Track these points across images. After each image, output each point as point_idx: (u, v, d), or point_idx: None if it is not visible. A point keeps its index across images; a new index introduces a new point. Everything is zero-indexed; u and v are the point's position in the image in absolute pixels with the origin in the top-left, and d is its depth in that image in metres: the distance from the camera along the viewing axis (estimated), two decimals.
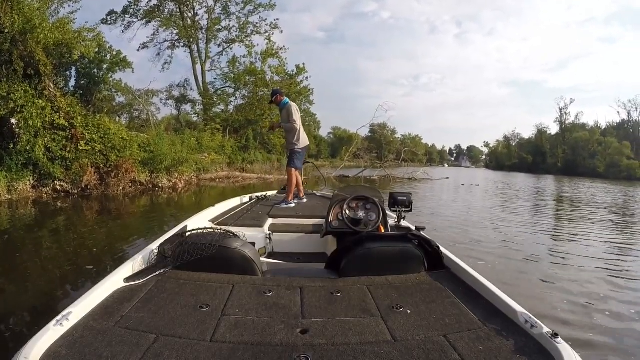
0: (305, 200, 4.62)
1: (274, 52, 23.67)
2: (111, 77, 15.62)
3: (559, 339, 1.19)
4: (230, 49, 24.85)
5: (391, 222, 2.86)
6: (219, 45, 25.01)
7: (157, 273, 1.77)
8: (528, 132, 68.45)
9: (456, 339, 1.25)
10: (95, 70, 14.47)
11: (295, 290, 1.68)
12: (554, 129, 57.16)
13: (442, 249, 2.01)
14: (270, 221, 3.49)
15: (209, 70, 24.87)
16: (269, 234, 3.15)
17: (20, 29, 9.95)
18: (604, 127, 51.64)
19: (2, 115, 9.58)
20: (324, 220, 2.84)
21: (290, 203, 4.29)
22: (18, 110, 9.69)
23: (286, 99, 4.72)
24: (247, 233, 2.63)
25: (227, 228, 2.46)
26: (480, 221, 8.11)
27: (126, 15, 23.13)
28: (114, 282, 1.63)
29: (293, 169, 4.51)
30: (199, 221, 3.01)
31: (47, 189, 10.16)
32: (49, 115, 10.31)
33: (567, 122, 54.18)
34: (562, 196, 16.46)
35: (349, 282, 1.78)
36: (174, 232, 2.38)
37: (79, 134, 10.89)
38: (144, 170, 12.46)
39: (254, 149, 22.53)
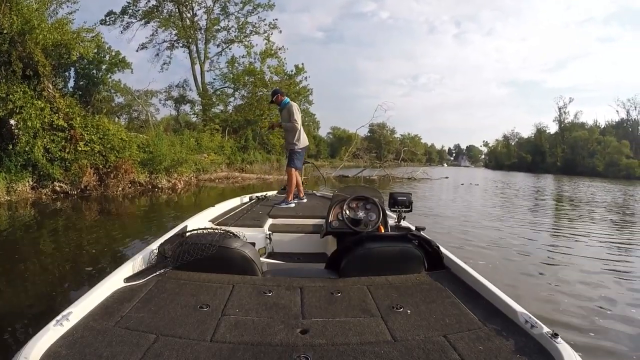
0: (305, 201, 4.62)
1: (272, 52, 23.69)
2: (110, 77, 15.60)
3: (559, 339, 1.19)
4: (229, 49, 24.89)
5: (391, 222, 2.86)
6: (217, 46, 25.05)
7: (157, 273, 1.77)
8: (527, 132, 68.53)
9: (456, 339, 1.25)
10: (94, 71, 14.44)
11: (295, 290, 1.68)
12: (553, 128, 57.35)
13: (442, 249, 2.01)
14: (270, 221, 3.49)
15: (208, 71, 24.90)
16: (269, 234, 3.15)
17: (19, 30, 9.93)
18: (603, 126, 51.69)
19: (1, 116, 9.57)
20: (324, 220, 2.84)
21: (290, 203, 4.29)
22: (17, 111, 9.68)
23: (287, 99, 4.73)
24: (247, 233, 2.63)
25: (227, 228, 2.46)
26: (480, 220, 8.10)
27: (125, 16, 23.13)
28: (114, 282, 1.63)
29: (293, 169, 4.51)
30: (199, 221, 3.01)
31: (46, 190, 10.15)
32: (48, 116, 10.30)
33: (566, 121, 54.30)
34: (561, 195, 16.47)
35: (349, 282, 1.78)
36: (174, 232, 2.38)
37: (78, 134, 10.88)
38: (143, 170, 12.44)
39: (253, 149, 22.52)
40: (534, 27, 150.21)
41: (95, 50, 13.78)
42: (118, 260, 4.17)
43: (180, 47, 24.78)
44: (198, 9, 24.51)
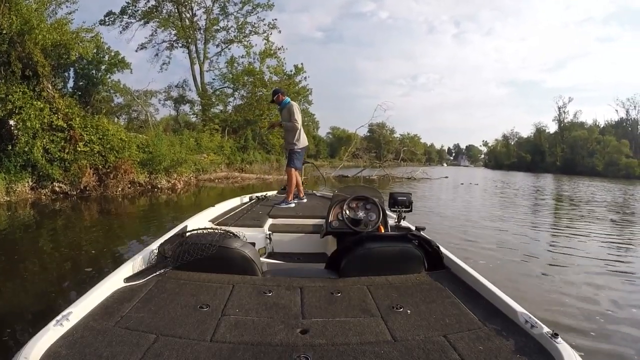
0: (305, 201, 4.62)
1: (272, 52, 23.69)
2: (109, 78, 15.54)
3: (559, 339, 1.19)
4: (229, 49, 24.91)
5: (391, 222, 2.86)
6: (217, 46, 25.06)
7: (157, 273, 1.77)
8: (526, 132, 68.51)
9: (456, 339, 1.25)
10: (94, 71, 14.40)
11: (295, 290, 1.68)
12: (552, 128, 57.40)
13: (442, 249, 2.01)
14: (270, 221, 3.49)
15: (207, 71, 24.91)
16: (269, 234, 3.15)
17: (18, 30, 9.92)
18: (602, 126, 51.75)
19: (0, 116, 9.56)
20: (324, 220, 2.84)
21: (290, 203, 4.29)
22: (16, 111, 9.67)
23: (287, 99, 4.73)
24: (247, 233, 2.63)
25: (227, 228, 2.46)
26: (480, 220, 8.11)
27: (124, 16, 23.12)
28: (114, 282, 1.62)
29: (293, 169, 4.52)
30: (199, 221, 3.01)
31: (46, 190, 10.14)
32: (47, 117, 10.29)
33: (565, 120, 54.37)
34: (561, 195, 16.49)
35: (349, 282, 1.78)
36: (174, 232, 2.38)
37: (78, 135, 10.87)
38: (143, 171, 12.43)
39: (253, 149, 22.51)
40: (533, 27, 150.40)
41: (95, 51, 13.75)
42: (118, 261, 4.18)
43: (180, 47, 24.85)
44: (197, 9, 24.58)
